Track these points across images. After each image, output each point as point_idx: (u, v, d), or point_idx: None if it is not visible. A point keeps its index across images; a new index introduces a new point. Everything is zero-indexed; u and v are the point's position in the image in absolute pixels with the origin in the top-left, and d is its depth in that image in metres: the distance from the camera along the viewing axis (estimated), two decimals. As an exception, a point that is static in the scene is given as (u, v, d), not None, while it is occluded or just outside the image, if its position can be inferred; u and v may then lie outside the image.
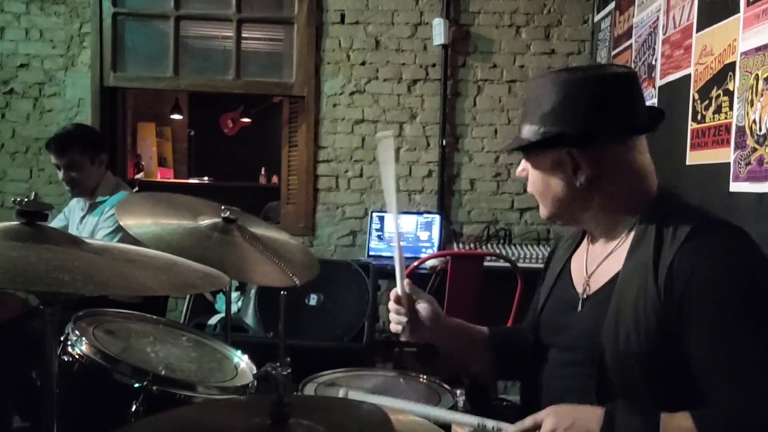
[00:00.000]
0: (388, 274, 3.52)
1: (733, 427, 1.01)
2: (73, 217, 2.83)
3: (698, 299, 1.05)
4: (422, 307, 1.33)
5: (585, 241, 1.33)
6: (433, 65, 3.86)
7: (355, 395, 1.21)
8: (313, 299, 2.89)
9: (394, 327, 1.33)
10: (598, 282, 1.22)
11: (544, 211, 1.27)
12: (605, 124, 1.15)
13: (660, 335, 1.07)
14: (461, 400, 1.28)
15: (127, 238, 2.58)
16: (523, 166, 1.26)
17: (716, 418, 1.02)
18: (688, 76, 2.52)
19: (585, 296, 1.24)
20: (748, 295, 1.05)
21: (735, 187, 2.16)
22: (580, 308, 1.24)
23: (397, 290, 1.32)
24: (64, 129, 2.86)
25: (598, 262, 1.24)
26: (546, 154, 1.20)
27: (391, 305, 1.33)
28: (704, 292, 1.05)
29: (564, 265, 1.35)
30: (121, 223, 1.47)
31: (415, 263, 3.03)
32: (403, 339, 1.33)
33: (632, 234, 1.18)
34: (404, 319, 1.31)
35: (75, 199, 2.85)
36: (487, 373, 1.48)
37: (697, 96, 2.44)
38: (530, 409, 1.25)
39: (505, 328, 1.58)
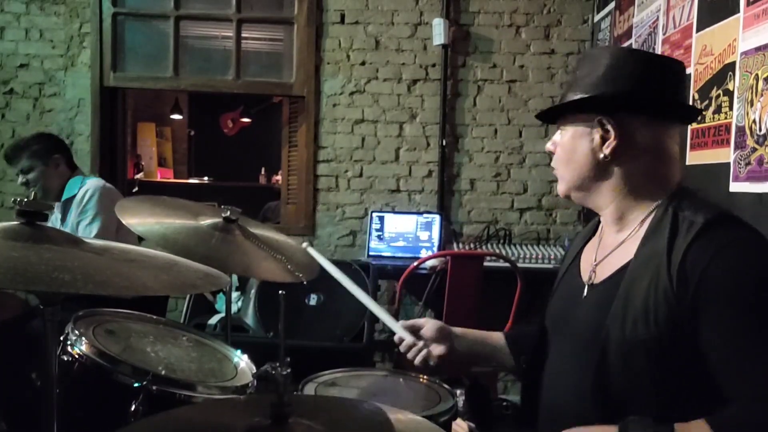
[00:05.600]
0: (388, 274, 3.54)
1: (751, 428, 0.99)
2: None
3: (712, 294, 1.03)
4: (426, 329, 1.40)
5: (598, 232, 1.33)
6: (433, 65, 3.86)
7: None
8: (313, 299, 2.89)
9: (417, 362, 1.37)
10: (605, 271, 1.21)
11: (561, 186, 1.27)
12: (644, 99, 1.17)
13: (669, 324, 1.05)
14: (461, 400, 1.28)
15: (110, 222, 2.59)
16: (554, 140, 1.27)
17: (733, 421, 1.00)
18: (688, 76, 2.52)
19: (591, 284, 1.23)
20: (763, 292, 1.03)
21: (735, 187, 2.16)
22: (584, 295, 1.23)
23: (397, 333, 1.40)
24: (15, 140, 3.02)
25: (609, 251, 1.23)
26: (578, 118, 1.20)
27: (402, 348, 1.39)
28: (718, 287, 1.03)
29: (575, 257, 1.35)
30: (124, 222, 1.46)
31: (415, 263, 3.03)
32: (432, 365, 1.37)
33: (646, 224, 1.17)
34: (420, 344, 1.37)
35: (53, 215, 2.81)
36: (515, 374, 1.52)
37: (697, 96, 2.44)
38: (530, 407, 1.25)
39: (520, 330, 1.57)
